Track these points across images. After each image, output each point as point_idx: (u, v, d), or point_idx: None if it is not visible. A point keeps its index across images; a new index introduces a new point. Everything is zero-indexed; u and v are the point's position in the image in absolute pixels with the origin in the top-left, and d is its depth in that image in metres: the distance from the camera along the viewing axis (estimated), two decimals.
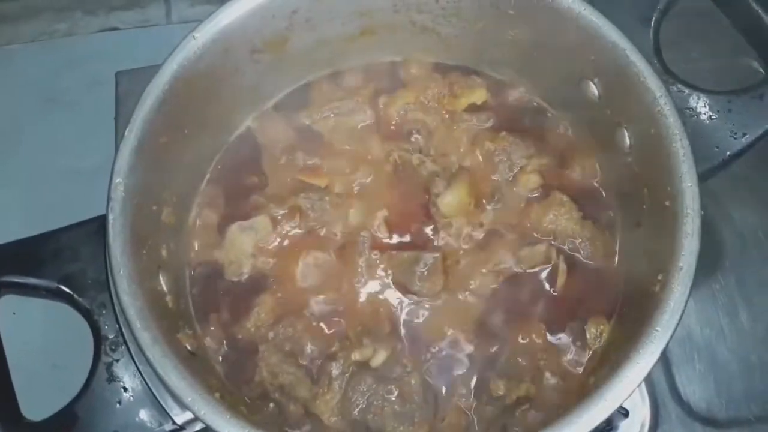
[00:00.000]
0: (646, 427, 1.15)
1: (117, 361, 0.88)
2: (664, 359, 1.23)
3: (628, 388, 0.79)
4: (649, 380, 1.19)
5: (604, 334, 0.97)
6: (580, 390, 0.91)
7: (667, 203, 0.89)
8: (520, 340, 0.98)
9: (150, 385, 0.86)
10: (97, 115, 1.40)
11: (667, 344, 0.81)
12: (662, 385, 1.21)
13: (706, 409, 1.21)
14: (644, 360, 0.80)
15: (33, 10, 1.59)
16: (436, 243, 1.04)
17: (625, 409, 1.09)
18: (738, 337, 1.25)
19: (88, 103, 1.49)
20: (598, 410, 0.78)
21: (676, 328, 0.81)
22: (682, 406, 1.21)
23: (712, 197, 1.32)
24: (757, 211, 1.34)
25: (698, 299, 1.27)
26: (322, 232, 1.05)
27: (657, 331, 0.81)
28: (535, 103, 1.13)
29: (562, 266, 1.00)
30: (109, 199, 0.87)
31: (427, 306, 1.00)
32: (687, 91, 1.00)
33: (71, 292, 0.91)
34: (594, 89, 1.02)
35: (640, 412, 1.15)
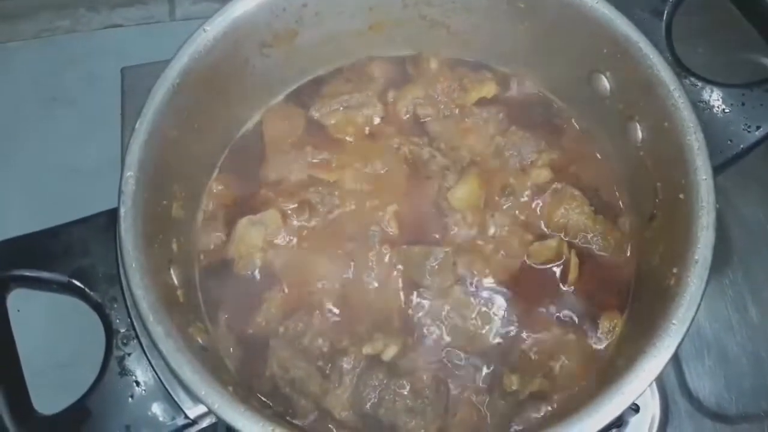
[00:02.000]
0: (656, 423, 1.15)
1: (129, 355, 0.88)
2: (674, 354, 1.23)
3: (645, 381, 0.79)
4: (659, 376, 1.19)
5: (617, 328, 0.97)
6: (594, 384, 0.91)
7: (681, 196, 0.89)
8: (533, 335, 0.98)
9: (162, 379, 0.85)
10: (100, 112, 1.41)
11: (684, 338, 0.81)
12: (672, 380, 1.21)
13: (715, 404, 1.21)
14: (661, 353, 0.80)
15: (34, 7, 1.60)
16: (446, 237, 1.03)
17: (636, 405, 1.09)
18: (747, 333, 1.25)
19: (91, 100, 1.50)
20: (615, 404, 0.78)
21: (692, 322, 0.81)
22: (691, 401, 1.21)
23: (721, 193, 1.30)
24: (765, 206, 1.34)
25: (707, 294, 1.23)
26: (332, 227, 1.04)
27: (673, 324, 0.81)
28: (545, 97, 1.13)
29: (574, 260, 1.00)
30: (120, 192, 0.87)
31: (437, 300, 0.99)
32: (700, 84, 1.00)
33: (83, 286, 0.91)
34: (605, 82, 1.02)
35: (651, 407, 1.15)
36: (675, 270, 0.85)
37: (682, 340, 0.80)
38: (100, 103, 1.42)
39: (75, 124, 1.47)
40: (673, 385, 1.21)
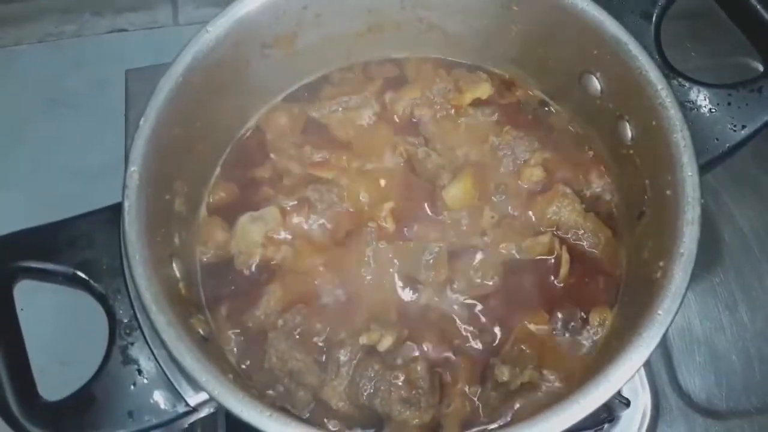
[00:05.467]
0: (647, 418, 1.17)
1: (132, 344, 0.89)
2: (665, 351, 1.26)
3: (630, 369, 0.81)
4: (650, 371, 1.21)
5: (607, 323, 0.99)
6: (584, 376, 0.92)
7: (668, 192, 0.91)
8: (524, 328, 1.00)
9: (164, 368, 0.87)
10: (104, 115, 1.43)
11: (668, 328, 0.83)
12: (663, 376, 1.23)
13: (706, 400, 1.23)
14: (646, 343, 0.82)
15: (40, 11, 1.61)
16: (441, 234, 1.05)
17: (627, 399, 1.11)
18: (737, 330, 1.28)
19: (95, 103, 1.50)
20: (602, 391, 0.80)
21: (677, 313, 0.83)
22: (682, 397, 1.23)
23: (713, 194, 1.36)
24: (756, 207, 1.37)
25: (699, 293, 1.30)
26: (330, 223, 1.06)
27: (659, 315, 0.83)
28: (538, 98, 1.16)
29: (565, 256, 1.02)
30: (124, 186, 0.89)
31: (432, 295, 1.02)
32: (687, 84, 1.02)
33: (87, 278, 0.93)
34: (596, 83, 1.04)
35: (642, 402, 1.17)
36: (662, 263, 0.87)
37: (667, 330, 0.82)
38: (105, 106, 1.44)
39: (80, 127, 1.48)
40: (664, 381, 1.23)
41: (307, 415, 0.96)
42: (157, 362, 0.88)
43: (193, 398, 0.88)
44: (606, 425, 1.16)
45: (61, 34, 1.63)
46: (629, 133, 1.01)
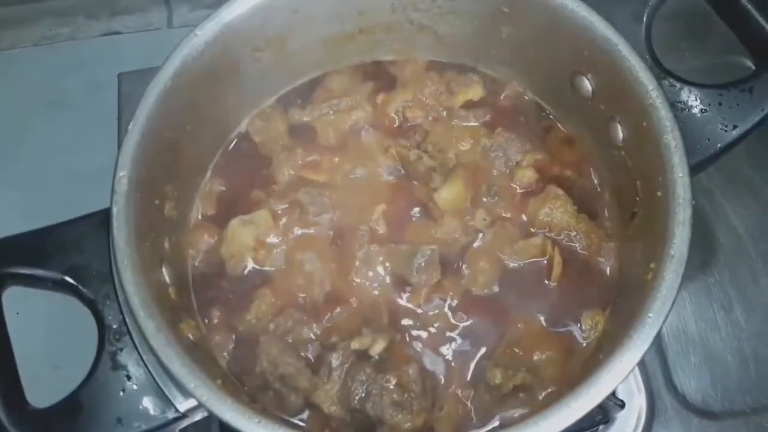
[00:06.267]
0: (643, 419, 1.17)
1: (121, 350, 0.89)
2: (660, 352, 1.25)
3: (622, 372, 0.81)
4: (645, 372, 1.21)
5: (599, 325, 0.99)
6: (576, 378, 0.92)
7: (659, 194, 0.91)
8: (517, 331, 0.99)
9: (153, 374, 0.87)
10: (99, 117, 1.42)
11: (660, 330, 0.82)
12: (658, 377, 1.23)
13: (701, 400, 1.23)
14: (637, 345, 0.82)
15: (35, 15, 1.61)
16: (433, 236, 1.05)
17: (622, 401, 1.11)
18: (733, 331, 1.27)
19: (90, 106, 1.50)
20: (594, 394, 0.80)
21: (668, 314, 0.83)
22: (677, 398, 1.22)
23: (708, 194, 1.35)
24: (751, 207, 1.36)
25: (693, 293, 1.30)
26: (322, 226, 1.06)
27: (649, 317, 0.83)
28: (530, 99, 1.15)
29: (558, 258, 1.02)
30: (113, 191, 0.89)
31: (424, 297, 1.01)
32: (678, 85, 1.02)
33: (76, 284, 0.92)
34: (587, 84, 1.04)
35: (637, 403, 1.17)
36: (652, 265, 0.87)
37: (658, 332, 0.82)
38: (100, 109, 1.44)
39: (75, 129, 1.48)
40: (660, 382, 1.23)
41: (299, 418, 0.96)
42: (147, 368, 0.88)
43: (183, 404, 0.87)
44: (601, 427, 1.16)
45: (57, 37, 1.63)
46: (620, 134, 1.01)
